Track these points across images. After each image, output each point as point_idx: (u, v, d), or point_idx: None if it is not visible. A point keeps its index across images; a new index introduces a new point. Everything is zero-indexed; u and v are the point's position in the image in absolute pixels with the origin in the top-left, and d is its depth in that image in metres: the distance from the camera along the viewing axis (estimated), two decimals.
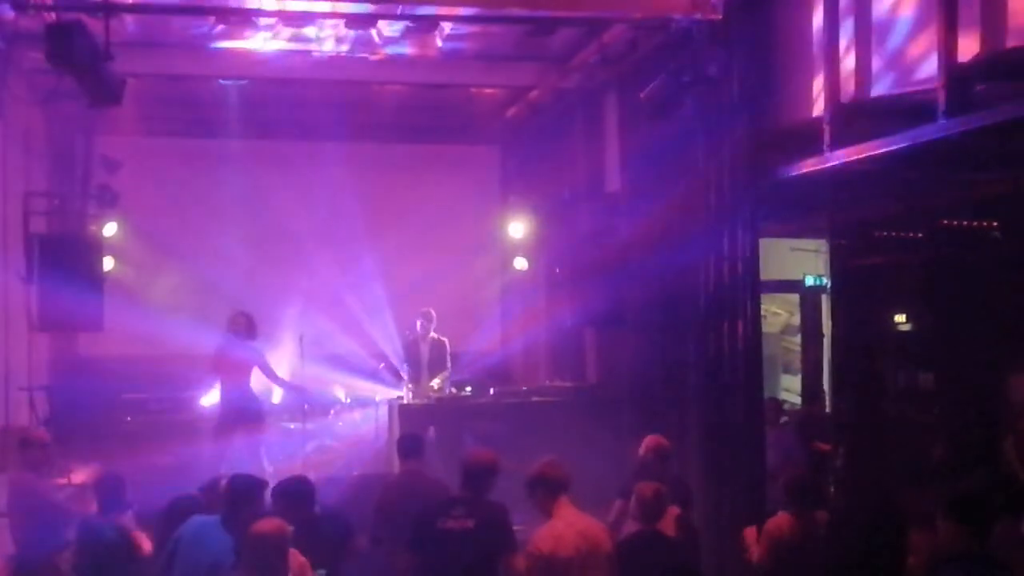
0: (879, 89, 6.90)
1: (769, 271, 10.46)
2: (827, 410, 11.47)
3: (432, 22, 9.16)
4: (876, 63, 6.92)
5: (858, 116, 7.11)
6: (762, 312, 8.74)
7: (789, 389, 13.88)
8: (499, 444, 7.85)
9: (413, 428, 9.45)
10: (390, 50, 10.25)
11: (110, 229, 11.46)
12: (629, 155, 10.52)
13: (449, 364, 11.40)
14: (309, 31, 9.68)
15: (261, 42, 9.93)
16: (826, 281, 12.35)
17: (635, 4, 8.59)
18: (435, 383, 11.21)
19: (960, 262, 10.08)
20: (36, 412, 10.10)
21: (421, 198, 12.94)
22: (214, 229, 12.33)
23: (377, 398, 11.62)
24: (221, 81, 11.13)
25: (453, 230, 12.91)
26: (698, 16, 8.16)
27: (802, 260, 12.92)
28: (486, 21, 9.41)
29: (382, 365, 11.94)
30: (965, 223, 10.00)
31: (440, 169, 13.35)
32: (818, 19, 7.47)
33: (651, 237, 9.55)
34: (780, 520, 6.52)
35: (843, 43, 7.20)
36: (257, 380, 10.25)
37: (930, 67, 6.16)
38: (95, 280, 9.86)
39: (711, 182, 8.43)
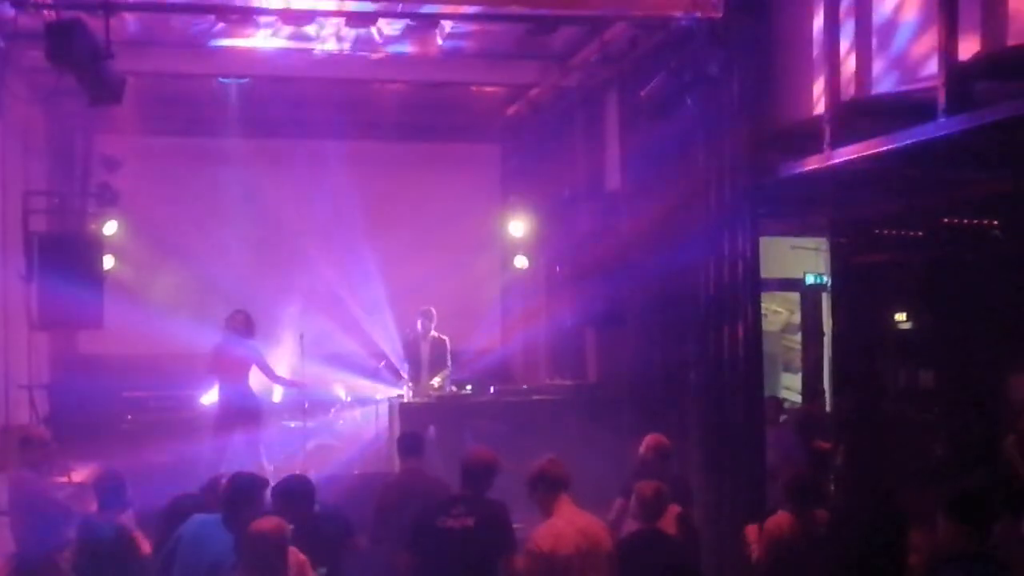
0: (880, 88, 6.90)
1: (770, 269, 10.46)
2: (827, 408, 11.47)
3: (433, 20, 9.16)
4: (877, 62, 6.92)
5: (858, 115, 7.11)
6: (762, 310, 8.74)
7: (790, 387, 13.87)
8: (499, 443, 7.87)
9: (413, 427, 9.45)
10: (390, 48, 10.24)
11: (110, 228, 11.45)
12: (629, 154, 10.51)
13: (450, 363, 11.39)
14: (309, 29, 9.68)
15: (261, 40, 9.93)
16: (826, 279, 12.36)
17: (636, 3, 8.59)
18: (435, 382, 11.21)
19: (960, 261, 10.09)
20: (36, 410, 10.12)
21: (421, 196, 12.94)
22: (214, 227, 12.33)
23: (377, 397, 11.62)
24: (221, 80, 11.13)
25: (453, 228, 12.90)
26: (699, 15, 8.15)
27: (803, 258, 12.91)
28: (487, 19, 9.41)
29: (382, 364, 11.94)
30: (965, 222, 10.00)
31: (441, 168, 13.34)
32: (819, 18, 7.47)
33: (651, 235, 9.55)
34: (780, 519, 6.51)
35: (844, 42, 7.19)
36: (256, 379, 10.25)
37: (930, 65, 6.16)
38: (95, 279, 9.87)
39: (711, 180, 8.42)
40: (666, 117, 8.60)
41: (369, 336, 12.40)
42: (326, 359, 11.48)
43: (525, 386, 12.05)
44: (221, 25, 9.29)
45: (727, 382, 8.27)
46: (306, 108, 11.60)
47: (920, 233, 10.62)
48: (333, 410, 11.79)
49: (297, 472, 8.36)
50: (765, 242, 8.82)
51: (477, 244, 13.32)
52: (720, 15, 8.10)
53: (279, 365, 11.05)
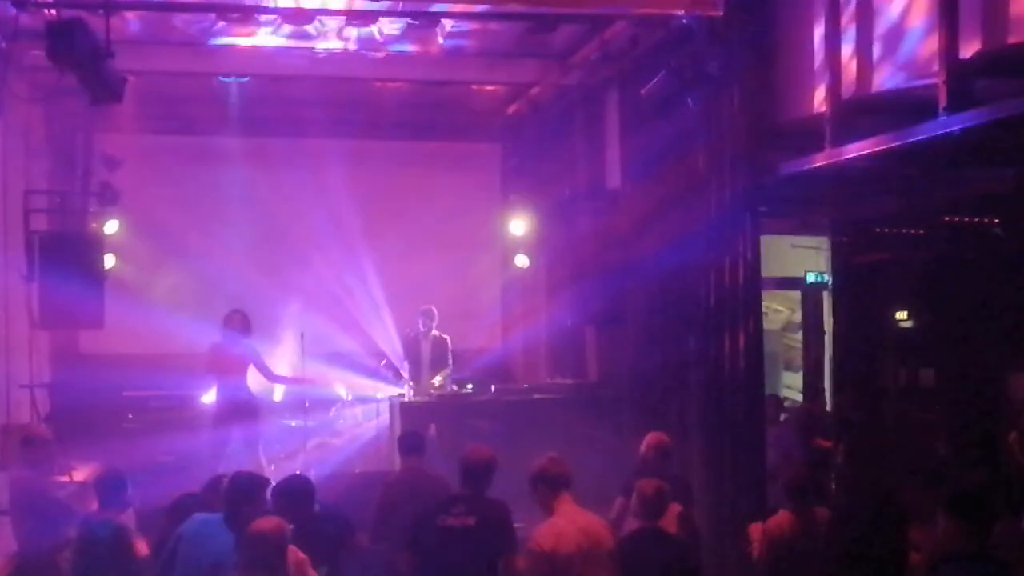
0: (880, 86, 6.90)
1: (770, 268, 10.46)
2: (828, 407, 11.47)
3: (433, 19, 9.16)
4: (877, 60, 6.92)
5: (859, 113, 7.12)
6: (763, 309, 8.74)
7: (790, 386, 13.88)
8: (500, 442, 7.88)
9: (414, 426, 9.46)
10: (391, 47, 10.24)
11: (111, 227, 11.45)
12: (630, 153, 10.51)
13: (451, 362, 11.40)
14: (310, 28, 9.67)
15: (262, 40, 9.93)
16: (827, 278, 12.36)
17: (636, 1, 8.59)
18: (436, 381, 11.21)
19: (961, 259, 10.09)
20: (37, 409, 10.12)
21: (422, 195, 12.94)
22: (215, 226, 12.33)
23: (378, 395, 11.63)
24: (222, 79, 11.13)
25: (454, 227, 12.90)
26: (699, 13, 8.15)
27: (803, 257, 12.91)
28: (488, 18, 9.41)
29: (383, 363, 11.94)
30: (966, 220, 9.99)
31: (441, 166, 13.34)
32: (819, 16, 7.47)
33: (652, 234, 9.54)
34: (780, 519, 6.51)
35: (844, 40, 7.19)
36: (255, 378, 10.26)
37: (931, 63, 6.16)
38: (96, 278, 9.86)
39: (712, 179, 8.43)
40: (666, 116, 8.61)
41: (369, 335, 12.40)
42: (327, 358, 11.49)
43: (526, 385, 12.04)
44: (222, 24, 9.28)
45: (728, 381, 8.27)
46: (306, 107, 11.60)
47: (921, 232, 10.62)
48: (334, 409, 11.79)
49: (298, 471, 8.39)
50: (766, 241, 8.82)
51: (477, 243, 13.32)
52: (721, 13, 8.09)
53: (280, 364, 11.07)
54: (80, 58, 7.14)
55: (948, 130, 5.99)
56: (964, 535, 4.69)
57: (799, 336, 13.68)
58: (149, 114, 11.19)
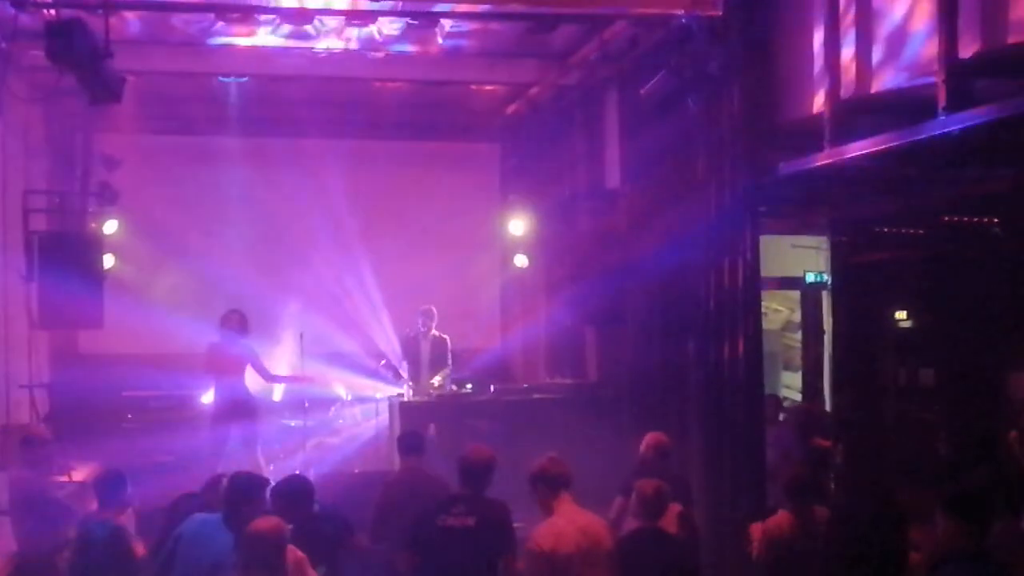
0: (879, 85, 6.90)
1: (770, 268, 10.46)
2: (827, 407, 11.47)
3: (433, 19, 9.15)
4: (876, 60, 6.92)
5: (859, 113, 7.11)
6: (763, 309, 8.74)
7: (790, 386, 13.87)
8: (500, 442, 7.87)
9: (414, 425, 9.46)
10: (390, 47, 10.24)
11: (110, 227, 11.45)
12: (629, 152, 10.51)
13: (450, 361, 11.39)
14: (309, 28, 9.67)
15: (261, 39, 9.93)
16: (827, 278, 12.35)
17: (636, 1, 8.59)
18: (436, 380, 11.21)
19: (961, 259, 10.08)
20: (37, 409, 10.12)
21: (421, 195, 12.94)
22: (214, 226, 12.34)
23: (378, 395, 11.63)
24: (221, 79, 11.13)
25: (453, 227, 12.90)
26: (698, 13, 8.15)
27: (803, 257, 12.90)
28: (487, 18, 9.41)
29: (383, 363, 11.94)
30: (965, 219, 9.99)
31: (440, 166, 13.34)
32: (819, 16, 7.46)
33: (651, 234, 9.54)
34: (780, 519, 6.51)
35: (844, 40, 7.19)
36: (254, 377, 10.26)
37: (931, 63, 6.16)
38: (95, 278, 9.86)
39: (711, 179, 8.42)
40: (666, 116, 8.61)
41: (369, 335, 12.41)
42: (326, 358, 11.49)
43: (525, 385, 12.04)
44: (221, 24, 9.29)
45: (727, 381, 8.26)
46: (306, 107, 11.60)
47: (920, 231, 10.61)
48: (333, 409, 11.79)
49: (297, 471, 8.39)
50: (765, 240, 8.82)
51: (476, 243, 13.32)
52: (720, 13, 8.09)
53: (280, 364, 11.07)
54: (79, 58, 7.13)
55: (947, 130, 5.99)
56: (964, 535, 4.68)
57: (798, 336, 13.67)
58: (148, 114, 11.19)
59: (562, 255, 11.69)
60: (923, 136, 6.22)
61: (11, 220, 9.79)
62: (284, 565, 4.98)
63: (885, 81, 6.85)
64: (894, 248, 10.86)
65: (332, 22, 9.47)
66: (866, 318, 11.22)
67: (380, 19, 9.15)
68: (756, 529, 6.70)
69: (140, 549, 6.22)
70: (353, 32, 9.72)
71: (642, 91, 8.59)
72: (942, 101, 5.95)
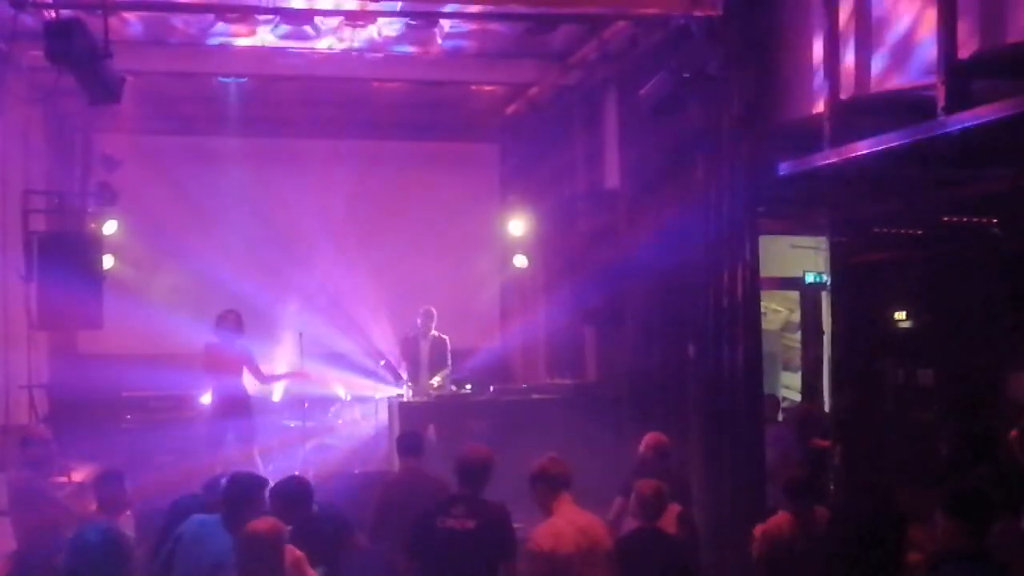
0: (879, 86, 6.89)
1: (769, 268, 10.45)
2: (826, 407, 11.46)
3: (432, 19, 9.15)
4: (876, 60, 6.91)
5: (858, 113, 7.11)
6: (762, 309, 8.73)
7: (789, 386, 13.87)
8: (499, 442, 7.86)
9: (413, 426, 9.46)
10: (390, 48, 10.24)
11: (110, 227, 11.46)
12: (629, 153, 10.51)
13: (450, 362, 11.40)
14: (309, 28, 9.68)
15: (261, 39, 9.93)
16: (826, 278, 12.34)
17: (635, 1, 8.59)
18: (435, 381, 11.21)
19: (960, 259, 10.07)
20: (36, 410, 10.11)
21: (421, 196, 12.95)
22: (214, 226, 12.34)
23: (377, 396, 11.63)
24: (220, 79, 11.14)
25: (453, 227, 12.91)
26: (698, 13, 8.15)
27: (802, 257, 12.90)
28: (487, 18, 9.40)
29: (382, 363, 11.95)
30: (965, 219, 9.98)
31: (440, 166, 13.35)
32: (818, 16, 7.46)
33: (651, 234, 9.54)
34: (779, 519, 6.50)
35: (843, 40, 7.18)
36: (250, 378, 10.26)
37: (930, 63, 6.16)
38: (94, 278, 9.87)
39: (711, 179, 8.42)
40: (666, 116, 8.59)
41: (368, 335, 12.41)
42: (325, 358, 11.50)
43: (524, 385, 12.05)
44: (220, 24, 9.29)
45: (727, 381, 8.25)
46: (305, 107, 11.62)
47: (920, 232, 10.61)
48: (332, 409, 11.80)
49: (296, 471, 8.39)
50: (765, 241, 8.81)
51: (476, 244, 13.33)
52: (719, 13, 8.08)
53: (279, 364, 11.06)
54: (79, 58, 7.14)
55: (947, 130, 5.98)
56: (964, 535, 4.68)
57: (798, 336, 13.67)
58: (148, 114, 11.20)
59: (561, 255, 11.71)
60: (923, 136, 6.22)
61: (10, 220, 9.79)
62: (282, 565, 4.98)
63: (885, 81, 6.84)
64: (894, 248, 10.86)
65: (332, 22, 9.47)
66: (865, 318, 11.21)
67: (379, 19, 9.15)
68: (757, 530, 6.70)
69: (135, 550, 6.19)
70: (352, 32, 9.72)
71: (642, 91, 8.57)
72: (942, 101, 5.94)
